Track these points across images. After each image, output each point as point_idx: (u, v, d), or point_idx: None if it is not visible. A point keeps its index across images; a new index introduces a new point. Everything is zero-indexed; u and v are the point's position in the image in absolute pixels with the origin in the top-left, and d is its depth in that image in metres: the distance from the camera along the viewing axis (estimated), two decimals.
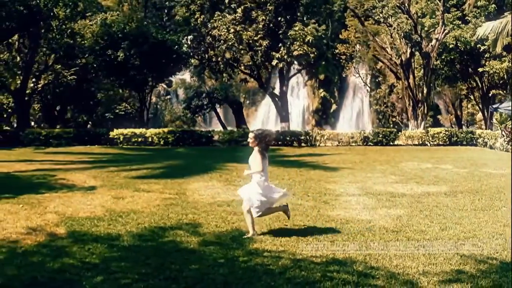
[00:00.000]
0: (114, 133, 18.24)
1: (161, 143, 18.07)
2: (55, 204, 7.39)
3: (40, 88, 24.38)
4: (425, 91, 22.49)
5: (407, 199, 8.33)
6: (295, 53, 18.69)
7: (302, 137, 19.03)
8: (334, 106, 47.42)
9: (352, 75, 40.00)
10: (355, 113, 47.45)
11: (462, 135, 20.83)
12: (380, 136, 19.78)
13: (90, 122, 33.99)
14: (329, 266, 4.60)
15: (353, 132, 20.16)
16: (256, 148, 5.49)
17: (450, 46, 24.84)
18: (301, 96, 48.05)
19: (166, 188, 8.82)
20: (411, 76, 22.73)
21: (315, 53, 19.11)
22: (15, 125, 27.36)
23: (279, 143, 18.46)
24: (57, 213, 6.75)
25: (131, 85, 21.11)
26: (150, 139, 18.09)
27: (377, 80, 39.90)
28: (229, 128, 23.46)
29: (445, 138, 20.39)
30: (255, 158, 5.45)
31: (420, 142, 20.19)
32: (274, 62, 19.90)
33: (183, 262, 4.69)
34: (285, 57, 19.12)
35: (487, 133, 20.43)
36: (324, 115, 47.08)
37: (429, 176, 11.27)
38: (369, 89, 41.36)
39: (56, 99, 27.80)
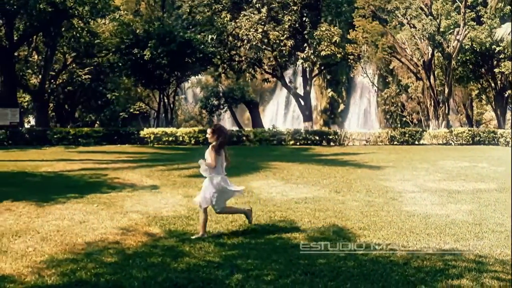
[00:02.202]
0: (145, 132, 18.06)
1: (192, 142, 17.92)
2: (129, 203, 7.27)
3: (56, 87, 24.15)
4: (446, 91, 22.63)
5: (465, 195, 8.44)
6: (323, 53, 18.65)
7: (331, 137, 19.03)
8: (341, 106, 47.68)
9: (360, 75, 40.10)
10: (363, 112, 47.71)
11: (484, 134, 21.01)
12: (407, 135, 19.86)
13: (97, 122, 33.76)
14: (444, 256, 4.82)
15: (380, 132, 20.20)
16: (212, 144, 5.43)
17: (466, 47, 25.05)
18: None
19: None
20: (431, 77, 22.86)
21: (342, 53, 19.11)
22: (25, 125, 27.01)
23: (308, 142, 18.47)
24: (139, 213, 6.64)
25: (155, 84, 20.91)
26: (181, 138, 17.94)
27: (386, 80, 40.05)
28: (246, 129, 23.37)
29: (468, 137, 20.54)
30: (209, 153, 5.41)
31: (444, 141, 20.31)
32: (299, 62, 19.84)
33: (307, 257, 4.69)
34: (312, 57, 19.07)
35: (508, 133, 20.60)
36: (332, 114, 47.28)
37: (472, 174, 11.38)
38: (376, 89, 41.44)
39: (68, 99, 27.60)
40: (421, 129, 21.39)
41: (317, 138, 18.71)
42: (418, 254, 4.79)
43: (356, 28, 32.56)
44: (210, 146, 5.42)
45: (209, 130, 5.60)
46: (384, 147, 18.74)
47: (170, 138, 17.77)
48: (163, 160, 12.97)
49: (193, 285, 3.95)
